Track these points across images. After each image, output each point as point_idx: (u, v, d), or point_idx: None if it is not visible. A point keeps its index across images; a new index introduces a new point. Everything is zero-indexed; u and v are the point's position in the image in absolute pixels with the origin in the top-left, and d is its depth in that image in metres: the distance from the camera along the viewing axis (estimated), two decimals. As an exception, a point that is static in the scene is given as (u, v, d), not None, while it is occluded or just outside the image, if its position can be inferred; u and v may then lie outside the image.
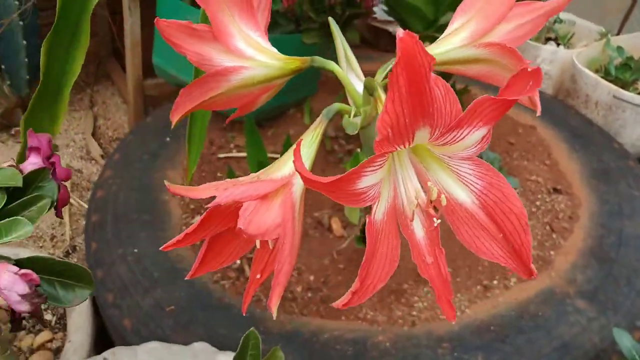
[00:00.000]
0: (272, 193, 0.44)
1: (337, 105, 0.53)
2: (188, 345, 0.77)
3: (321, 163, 1.20)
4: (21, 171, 0.35)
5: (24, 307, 0.29)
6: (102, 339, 0.97)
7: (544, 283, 0.93)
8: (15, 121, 1.64)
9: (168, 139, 1.26)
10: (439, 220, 0.43)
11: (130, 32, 1.42)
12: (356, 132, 0.50)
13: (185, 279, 0.47)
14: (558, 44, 1.53)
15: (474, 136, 0.39)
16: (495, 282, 0.95)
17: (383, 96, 0.46)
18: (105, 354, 0.74)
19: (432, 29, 1.06)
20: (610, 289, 0.91)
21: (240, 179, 0.46)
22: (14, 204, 0.34)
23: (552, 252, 0.99)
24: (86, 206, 1.33)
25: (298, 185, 0.45)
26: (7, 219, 0.32)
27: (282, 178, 0.45)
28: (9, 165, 0.35)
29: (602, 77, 1.34)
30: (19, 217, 0.32)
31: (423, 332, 0.86)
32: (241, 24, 0.54)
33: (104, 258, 0.98)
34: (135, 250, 0.99)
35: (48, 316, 0.96)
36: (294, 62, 0.55)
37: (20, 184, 0.34)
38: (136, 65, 1.48)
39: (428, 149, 0.43)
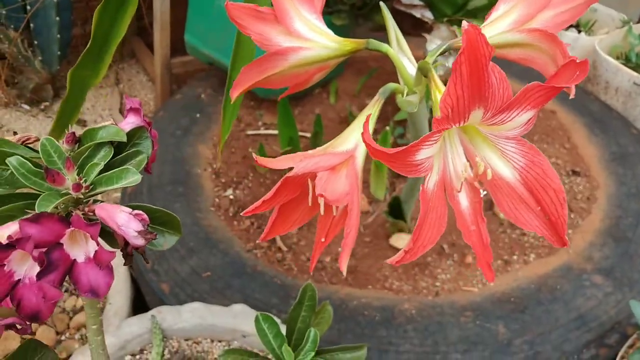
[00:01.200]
0: (339, 165, 0.49)
1: (392, 85, 0.57)
2: (227, 306, 0.82)
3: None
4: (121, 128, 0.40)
5: (139, 242, 0.34)
6: (139, 304, 1.02)
7: (561, 259, 0.97)
8: (45, 96, 1.68)
9: (198, 115, 1.30)
10: (485, 192, 0.48)
11: (160, 11, 1.45)
12: (415, 109, 0.54)
13: (258, 241, 0.52)
14: (579, 31, 1.55)
15: (522, 118, 0.44)
16: (515, 257, 0.99)
17: (437, 78, 0.51)
18: (152, 311, 0.79)
19: (461, 13, 1.09)
20: (626, 267, 0.95)
21: (310, 152, 0.51)
22: (118, 157, 0.39)
23: (570, 231, 1.03)
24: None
25: (360, 157, 0.51)
26: (119, 168, 0.36)
27: (347, 151, 0.50)
28: (111, 123, 0.39)
29: (622, 64, 1.36)
30: (128, 167, 0.36)
31: (446, 301, 0.91)
32: (300, 7, 0.58)
33: (142, 226, 1.03)
34: (172, 220, 1.03)
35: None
36: (350, 44, 0.60)
37: (125, 139, 0.39)
38: (165, 44, 1.51)
39: (477, 128, 0.48)
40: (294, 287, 0.93)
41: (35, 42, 1.55)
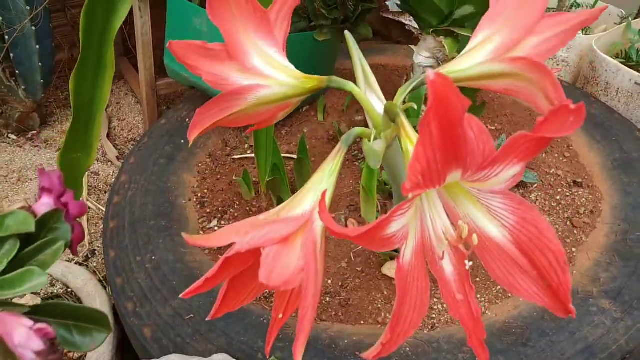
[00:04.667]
0: (293, 234, 0.43)
1: (357, 131, 0.51)
2: (208, 357, 0.77)
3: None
4: (34, 212, 0.35)
5: (38, 365, 0.29)
6: (123, 344, 0.98)
7: (566, 282, 0.91)
8: (32, 125, 1.65)
9: (182, 141, 1.26)
10: (470, 263, 0.42)
11: (141, 33, 1.41)
12: (378, 165, 0.49)
13: (207, 319, 0.46)
14: (577, 29, 1.48)
15: (507, 173, 0.38)
16: (516, 281, 0.93)
17: (406, 122, 0.45)
18: (127, 367, 0.75)
19: (447, 23, 1.03)
20: (635, 288, 0.89)
21: (260, 217, 0.45)
22: (28, 249, 0.34)
23: (573, 249, 0.97)
24: (104, 209, 1.34)
25: (319, 221, 0.44)
26: (21, 270, 0.32)
27: (302, 215, 0.44)
28: (21, 207, 0.35)
29: (622, 63, 1.30)
30: (32, 267, 0.32)
31: (443, 335, 0.85)
32: (257, 40, 0.53)
33: (122, 266, 0.99)
34: (154, 258, 0.99)
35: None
36: (311, 82, 0.54)
37: (32, 229, 0.34)
38: (148, 66, 1.47)
39: (458, 183, 0.42)
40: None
41: (17, 72, 1.51)
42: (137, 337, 0.90)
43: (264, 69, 0.54)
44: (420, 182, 0.35)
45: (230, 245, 0.44)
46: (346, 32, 0.63)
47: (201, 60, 0.52)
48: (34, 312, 0.32)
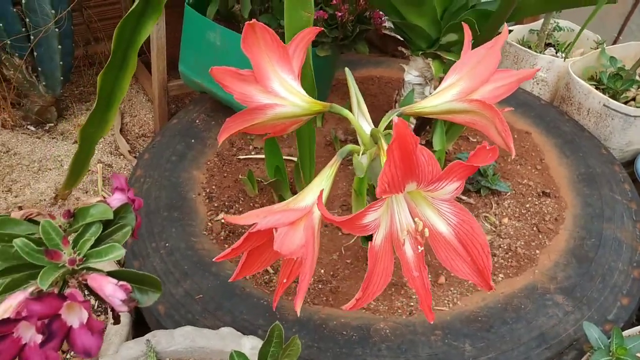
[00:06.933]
0: (298, 220, 0.57)
1: (349, 147, 0.65)
2: (216, 330, 0.90)
3: (332, 165, 1.32)
4: (109, 204, 0.48)
5: (123, 309, 0.42)
6: (139, 323, 1.11)
7: (527, 279, 1.05)
8: (49, 118, 1.77)
9: (193, 140, 1.38)
10: (422, 248, 0.56)
11: (156, 37, 1.53)
12: (362, 175, 0.63)
13: (229, 281, 0.60)
14: (557, 51, 1.62)
15: (450, 187, 0.53)
16: (484, 277, 1.06)
17: (384, 144, 0.59)
18: (147, 336, 0.88)
19: (435, 47, 1.16)
20: (586, 286, 1.03)
21: (274, 206, 0.59)
22: (106, 231, 0.47)
23: (537, 251, 1.11)
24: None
25: (317, 212, 0.59)
26: (107, 245, 0.45)
27: (305, 207, 0.58)
28: (99, 201, 0.47)
29: (595, 85, 1.43)
30: (115, 243, 0.44)
31: (419, 321, 0.99)
32: (278, 68, 0.67)
33: (139, 251, 1.12)
34: (167, 245, 1.12)
35: (92, 301, 1.10)
36: (316, 106, 0.68)
37: (111, 217, 0.47)
38: (162, 69, 1.59)
39: (419, 191, 0.56)
40: (279, 308, 1.01)
41: (39, 69, 1.63)
42: (152, 313, 1.02)
43: (281, 92, 0.68)
44: (386, 189, 0.49)
45: (242, 231, 0.57)
46: (346, 69, 0.77)
47: (234, 82, 0.65)
48: (110, 276, 0.45)
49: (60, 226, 0.46)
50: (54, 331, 0.39)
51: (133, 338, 0.92)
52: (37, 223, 0.49)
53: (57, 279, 0.44)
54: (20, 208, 1.40)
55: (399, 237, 0.57)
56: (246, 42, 0.64)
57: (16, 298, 0.42)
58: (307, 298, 1.04)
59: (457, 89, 0.64)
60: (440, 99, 0.64)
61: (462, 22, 0.69)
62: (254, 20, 0.64)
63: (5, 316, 0.39)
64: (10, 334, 0.40)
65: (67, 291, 0.41)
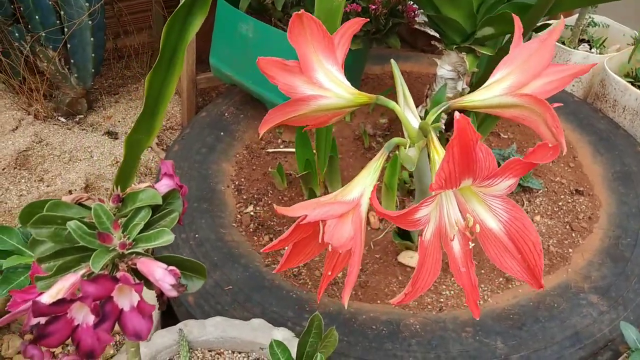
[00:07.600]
0: (346, 213, 0.57)
1: (396, 140, 0.65)
2: (247, 320, 0.90)
3: (361, 160, 1.31)
4: (157, 190, 0.48)
5: (173, 293, 0.42)
6: (168, 314, 1.12)
7: (560, 278, 1.03)
8: (80, 110, 1.79)
9: (222, 133, 1.39)
10: (473, 244, 0.56)
11: (186, 32, 1.54)
12: (413, 168, 0.62)
13: (273, 272, 0.60)
14: (591, 47, 1.59)
15: (505, 183, 0.53)
16: (516, 275, 1.05)
17: (435, 140, 0.59)
18: (180, 325, 0.89)
19: (469, 41, 1.15)
20: (622, 286, 1.01)
21: (321, 199, 0.59)
22: (155, 216, 0.47)
23: (570, 250, 1.09)
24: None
25: (365, 204, 0.59)
26: (157, 229, 0.45)
27: (353, 200, 0.58)
28: (148, 186, 0.48)
29: (631, 83, 1.40)
30: (164, 228, 0.45)
31: (449, 317, 0.98)
32: (323, 59, 0.66)
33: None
34: (197, 236, 1.13)
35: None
36: (362, 97, 0.68)
37: (160, 202, 0.47)
38: (191, 62, 1.60)
39: (470, 187, 0.56)
40: (308, 300, 1.01)
41: (72, 61, 1.65)
42: (182, 303, 1.03)
43: (325, 83, 0.68)
44: (442, 184, 0.49)
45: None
46: (392, 60, 0.76)
47: (279, 72, 0.65)
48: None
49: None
50: (107, 313, 0.40)
51: (162, 328, 0.93)
52: (86, 207, 0.49)
53: (108, 263, 0.44)
54: (70, 193, 1.42)
55: (447, 232, 0.56)
56: (292, 32, 0.64)
57: (68, 280, 0.42)
58: (337, 292, 1.04)
59: (507, 82, 0.62)
60: (489, 93, 0.63)
61: (512, 14, 0.68)
62: (302, 10, 0.64)
63: (59, 297, 0.40)
64: (64, 315, 0.40)
65: (119, 274, 0.42)
